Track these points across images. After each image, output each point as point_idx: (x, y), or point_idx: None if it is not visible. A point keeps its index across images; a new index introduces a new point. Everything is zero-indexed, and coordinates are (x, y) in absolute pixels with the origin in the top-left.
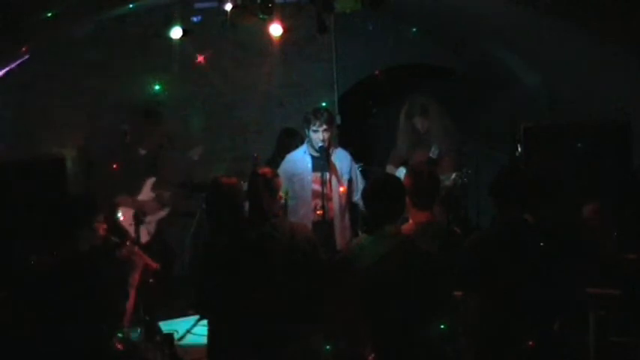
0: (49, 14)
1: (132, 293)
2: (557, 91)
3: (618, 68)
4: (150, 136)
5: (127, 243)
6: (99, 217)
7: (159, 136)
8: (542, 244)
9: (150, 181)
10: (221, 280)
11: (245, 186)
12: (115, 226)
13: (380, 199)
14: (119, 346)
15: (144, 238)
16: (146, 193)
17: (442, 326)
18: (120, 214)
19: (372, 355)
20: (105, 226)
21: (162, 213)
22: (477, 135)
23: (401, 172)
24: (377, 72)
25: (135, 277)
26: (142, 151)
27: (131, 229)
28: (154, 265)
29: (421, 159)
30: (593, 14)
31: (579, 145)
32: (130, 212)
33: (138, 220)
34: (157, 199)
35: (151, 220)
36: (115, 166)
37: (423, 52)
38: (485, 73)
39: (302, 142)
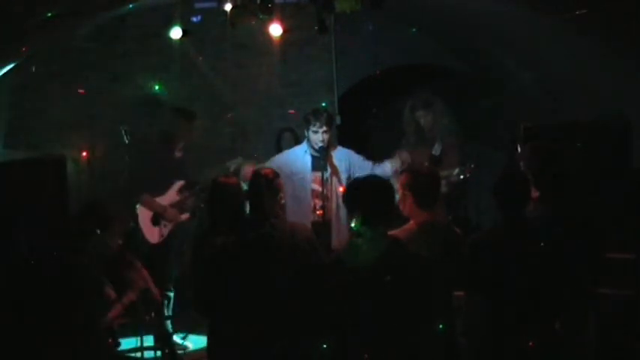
0: (49, 14)
1: (118, 308)
2: (557, 91)
3: (618, 68)
4: (187, 138)
5: (138, 265)
6: (114, 228)
7: (190, 138)
8: (542, 244)
9: (177, 185)
10: (221, 280)
11: (245, 186)
12: (131, 238)
13: (364, 200)
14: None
15: (155, 239)
16: (171, 196)
17: (440, 326)
18: (137, 212)
19: (367, 355)
20: (120, 242)
21: (182, 218)
22: (477, 135)
23: (385, 167)
24: (377, 72)
25: (129, 296)
26: (178, 154)
27: (145, 229)
28: (156, 293)
29: (423, 157)
30: (593, 14)
31: (579, 145)
32: (148, 213)
33: (155, 221)
34: (180, 203)
35: (167, 224)
36: (150, 169)
37: (423, 52)
38: (485, 73)
39: (298, 142)
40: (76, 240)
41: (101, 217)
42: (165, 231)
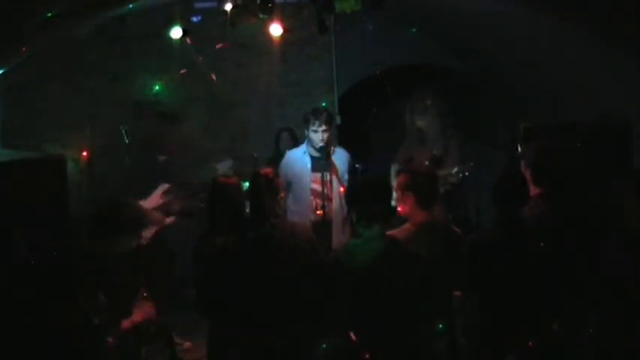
0: (49, 14)
1: (130, 321)
2: (557, 91)
3: (618, 68)
4: (171, 140)
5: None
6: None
7: (178, 140)
8: (542, 243)
9: (161, 188)
10: (221, 280)
11: (245, 186)
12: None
13: (363, 200)
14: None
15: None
16: (155, 200)
17: (440, 326)
18: None
19: (367, 355)
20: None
21: (167, 221)
22: (477, 135)
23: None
24: (377, 72)
25: (138, 315)
26: (162, 157)
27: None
28: (153, 318)
29: (424, 157)
30: (593, 14)
31: (579, 145)
32: None
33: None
34: (165, 207)
35: (151, 227)
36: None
37: (423, 52)
38: (485, 73)
39: (297, 142)
40: (95, 241)
41: (128, 216)
42: (148, 233)
